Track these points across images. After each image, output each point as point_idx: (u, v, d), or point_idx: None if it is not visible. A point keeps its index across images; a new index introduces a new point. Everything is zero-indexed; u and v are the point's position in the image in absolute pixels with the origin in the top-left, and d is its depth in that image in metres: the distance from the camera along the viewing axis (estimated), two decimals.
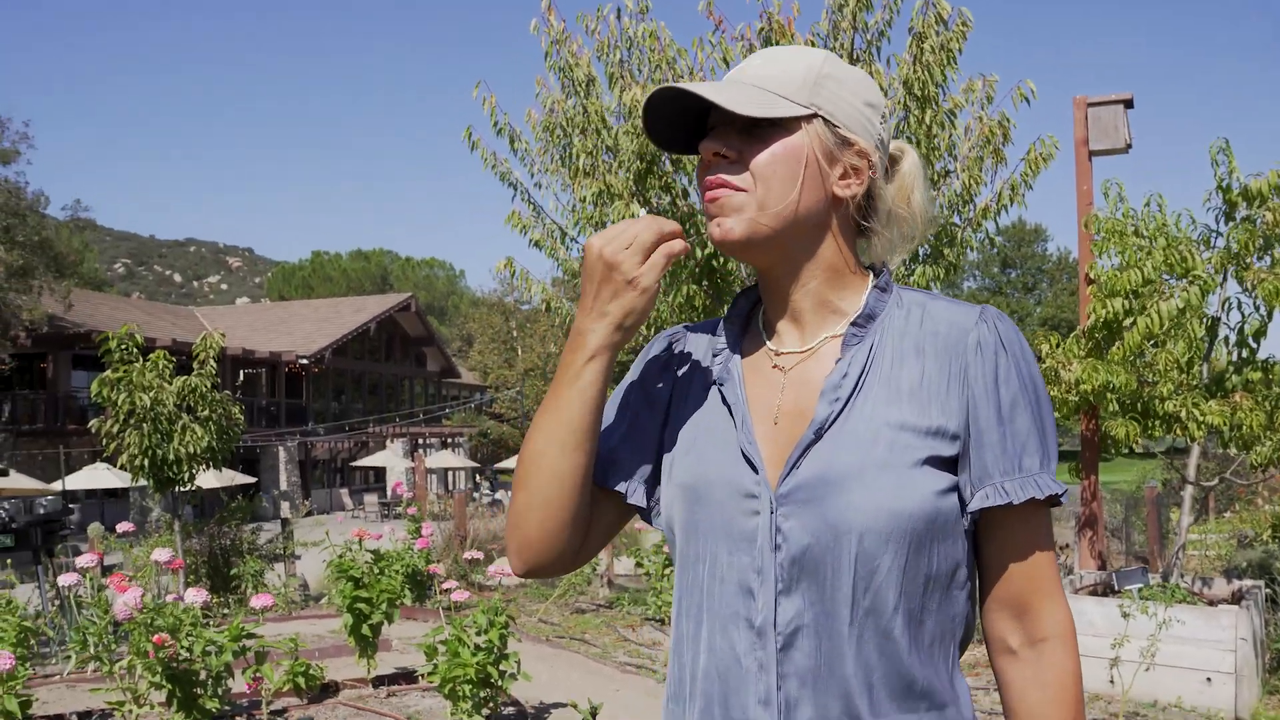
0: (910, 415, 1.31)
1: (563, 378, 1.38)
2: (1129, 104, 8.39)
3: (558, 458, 1.37)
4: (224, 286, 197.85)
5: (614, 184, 8.65)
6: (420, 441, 47.14)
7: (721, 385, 1.42)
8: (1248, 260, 7.25)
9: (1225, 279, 7.48)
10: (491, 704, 5.75)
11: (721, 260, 9.01)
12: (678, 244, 1.36)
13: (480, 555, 10.05)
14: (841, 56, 8.37)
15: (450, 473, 45.95)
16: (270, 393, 40.98)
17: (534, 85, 9.50)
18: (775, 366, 1.42)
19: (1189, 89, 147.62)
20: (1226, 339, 7.75)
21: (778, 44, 8.15)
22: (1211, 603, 7.71)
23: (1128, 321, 7.43)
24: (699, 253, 8.81)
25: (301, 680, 5.77)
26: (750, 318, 1.51)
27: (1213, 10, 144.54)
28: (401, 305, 49.73)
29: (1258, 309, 7.39)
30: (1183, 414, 7.23)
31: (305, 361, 40.67)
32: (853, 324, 1.39)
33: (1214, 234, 7.62)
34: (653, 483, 1.48)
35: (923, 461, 1.29)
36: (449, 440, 51.29)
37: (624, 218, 8.49)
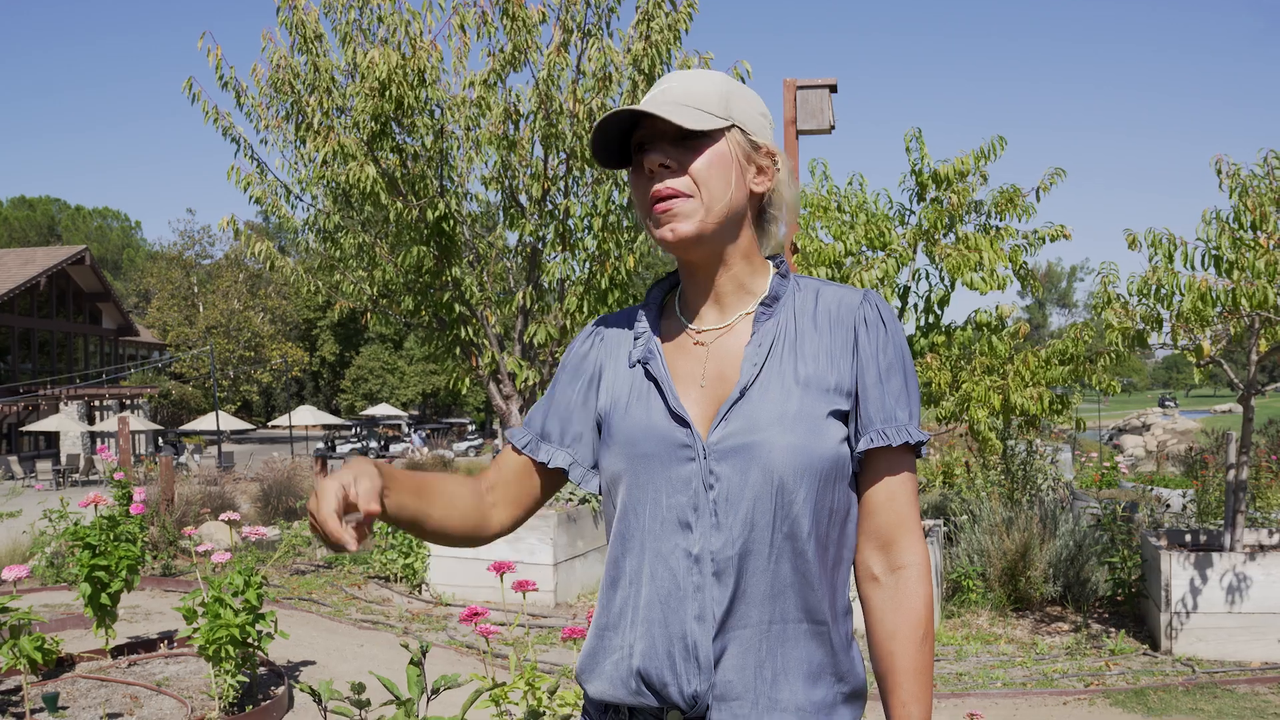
0: (814, 375, 1.59)
1: None
2: (834, 88, 9.07)
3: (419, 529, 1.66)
4: None
5: (347, 144, 8.63)
6: (98, 403, 44.37)
7: (646, 363, 1.68)
8: (936, 236, 8.08)
9: (916, 252, 8.30)
10: (250, 664, 5.78)
11: (450, 224, 9.16)
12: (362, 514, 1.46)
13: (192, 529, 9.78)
14: (573, 30, 8.72)
15: (133, 435, 43.51)
16: None
17: (260, 40, 9.31)
18: (698, 343, 1.68)
19: (890, 76, 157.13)
20: (915, 306, 8.58)
21: (514, 15, 8.36)
22: None
23: None
24: (429, 215, 8.93)
25: (39, 655, 5.56)
26: (664, 304, 1.78)
27: (914, 5, 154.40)
28: (75, 258, 46.46)
29: (943, 279, 8.23)
30: None
31: None
32: (762, 304, 1.66)
33: (908, 212, 8.44)
34: (575, 449, 1.76)
35: (827, 414, 1.57)
36: (128, 402, 48.52)
37: (357, 178, 8.52)
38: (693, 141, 1.60)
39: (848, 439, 1.61)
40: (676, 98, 1.61)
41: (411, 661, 2.92)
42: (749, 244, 1.68)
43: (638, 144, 1.64)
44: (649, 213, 1.63)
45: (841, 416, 1.60)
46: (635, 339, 1.74)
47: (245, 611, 5.51)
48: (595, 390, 1.75)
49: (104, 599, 6.54)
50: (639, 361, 1.70)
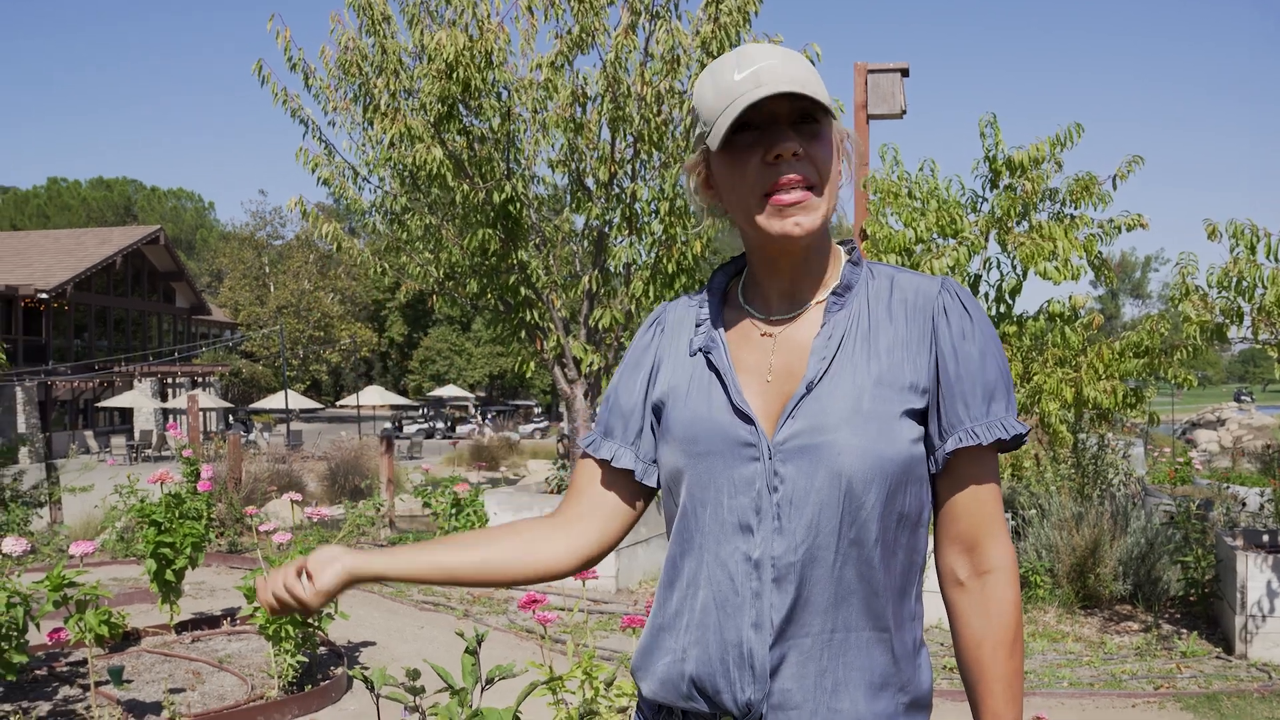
0: (888, 371, 1.49)
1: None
2: (905, 73, 8.94)
3: (461, 582, 1.64)
4: None
5: (414, 126, 8.64)
6: (170, 381, 45.17)
7: (709, 353, 1.59)
8: (1009, 224, 7.91)
9: (988, 241, 8.14)
10: (309, 644, 5.81)
11: (516, 207, 9.14)
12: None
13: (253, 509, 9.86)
14: (641, 12, 8.65)
15: (203, 413, 44.26)
16: (5, 330, 38.35)
17: (329, 22, 9.35)
18: (765, 334, 1.58)
19: (963, 61, 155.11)
20: (986, 295, 8.42)
21: None
22: None
23: None
24: (496, 197, 8.91)
25: (105, 629, 5.63)
26: (728, 291, 1.68)
27: None
28: (149, 238, 47.18)
29: (1015, 269, 8.07)
30: None
31: (45, 296, 38.18)
32: (833, 293, 1.56)
33: (980, 199, 8.28)
34: (639, 445, 1.66)
35: (901, 413, 1.47)
36: (200, 380, 49.36)
37: (424, 160, 8.53)
38: (810, 128, 1.50)
39: (924, 438, 1.51)
40: (791, 78, 1.47)
41: (467, 650, 2.89)
42: (825, 237, 1.59)
43: (742, 123, 1.49)
44: (763, 202, 1.50)
45: (916, 415, 1.50)
46: (697, 326, 1.65)
47: None
48: (654, 381, 1.66)
49: (169, 575, 6.62)
50: (700, 350, 1.61)
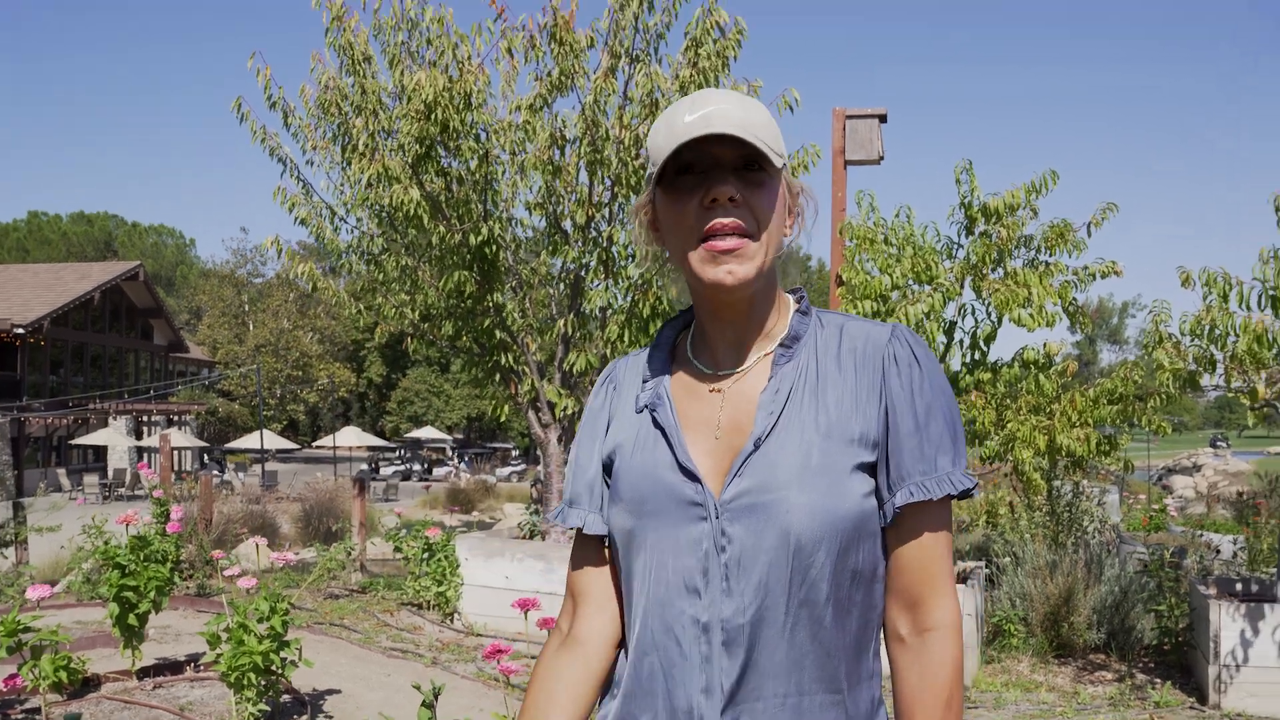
0: (837, 424, 1.46)
1: None
2: (883, 118, 9.00)
3: None
4: None
5: (392, 167, 8.63)
6: (145, 419, 44.86)
7: (654, 410, 1.55)
8: (984, 271, 7.94)
9: (964, 287, 8.15)
10: (273, 692, 5.71)
11: (493, 249, 9.12)
12: None
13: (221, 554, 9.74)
14: (621, 56, 8.68)
15: (177, 452, 43.95)
16: None
17: (309, 61, 9.36)
18: (714, 389, 1.54)
19: (940, 107, 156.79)
20: (961, 342, 8.43)
21: (562, 40, 8.34)
22: None
23: None
24: (472, 239, 8.90)
25: (64, 675, 5.52)
26: (676, 345, 1.65)
27: (964, 37, 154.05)
28: (129, 274, 47.02)
29: (989, 315, 8.08)
30: None
31: (21, 331, 37.94)
32: (781, 345, 1.53)
33: (956, 246, 8.31)
34: (604, 510, 1.61)
35: (851, 468, 1.43)
36: (175, 418, 49.03)
37: (401, 201, 8.52)
38: (756, 176, 1.47)
39: (875, 493, 1.47)
40: (739, 123, 1.44)
41: (424, 703, 2.83)
42: (771, 288, 1.56)
43: (685, 164, 1.48)
44: (699, 247, 1.47)
45: (868, 469, 1.46)
46: (644, 383, 1.61)
47: (270, 639, 5.45)
48: (605, 442, 1.63)
49: (132, 620, 6.51)
50: (646, 407, 1.57)
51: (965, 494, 1.48)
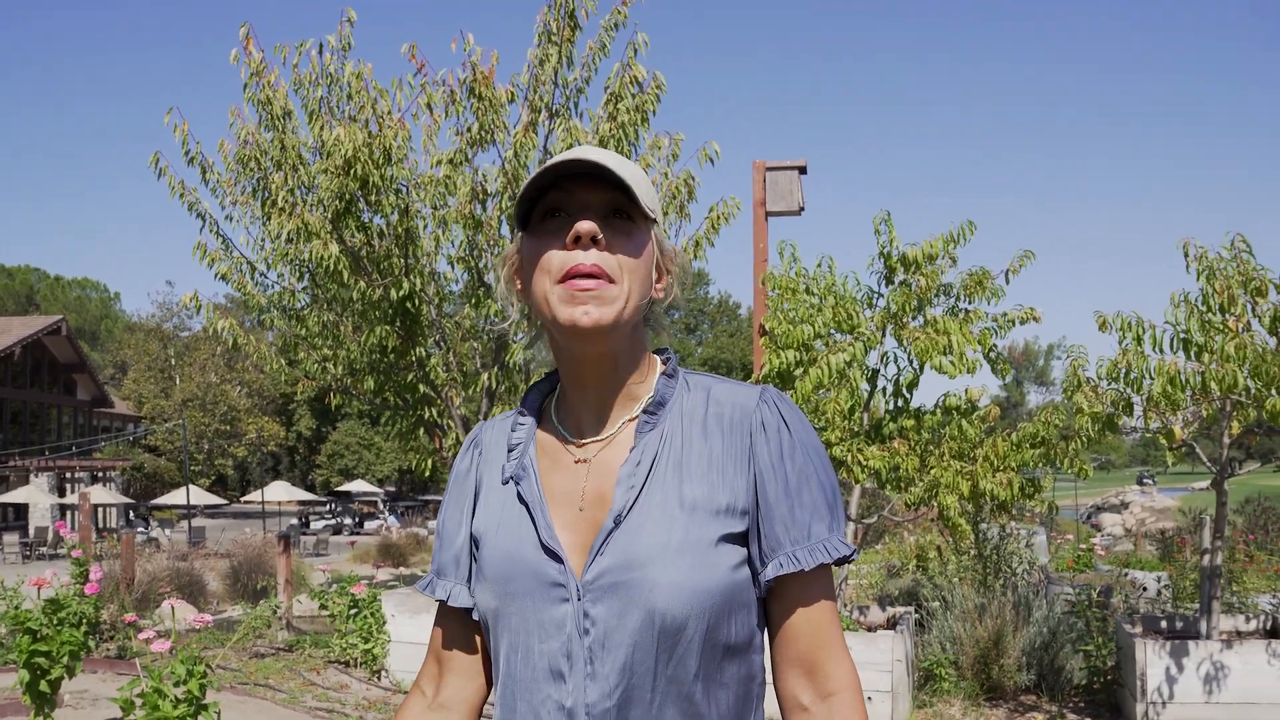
0: (702, 496, 1.41)
1: None
2: (803, 170, 9.09)
3: None
4: None
5: (311, 222, 8.55)
6: (69, 476, 43.87)
7: (518, 483, 1.50)
8: (904, 319, 8.02)
9: (885, 335, 8.23)
10: None
11: (415, 304, 9.05)
12: None
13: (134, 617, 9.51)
14: (541, 110, 8.69)
15: (101, 509, 43.00)
16: None
17: (228, 115, 9.27)
18: (579, 460, 1.49)
19: (859, 157, 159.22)
20: (884, 389, 8.50)
21: (481, 95, 8.33)
22: (870, 628, 8.42)
23: (799, 372, 8.01)
24: (394, 294, 8.82)
25: None
26: (543, 409, 1.59)
27: (883, 89, 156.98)
28: (51, 328, 46.25)
29: (911, 363, 8.16)
30: (848, 459, 7.88)
31: None
32: (645, 411, 1.48)
33: (876, 295, 8.39)
34: (470, 583, 1.56)
35: (717, 540, 1.39)
36: (100, 475, 48.03)
37: (320, 256, 8.44)
38: (623, 225, 1.44)
39: (748, 561, 1.43)
40: (609, 165, 1.41)
41: None
42: (638, 349, 1.51)
43: (552, 208, 1.45)
44: (555, 286, 1.41)
45: (738, 539, 1.42)
46: (509, 451, 1.55)
47: (186, 703, 5.30)
48: (473, 513, 1.57)
49: (43, 686, 6.30)
50: (510, 479, 1.52)
51: (843, 560, 1.45)
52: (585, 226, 1.40)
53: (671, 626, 1.36)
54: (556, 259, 1.41)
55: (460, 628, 1.58)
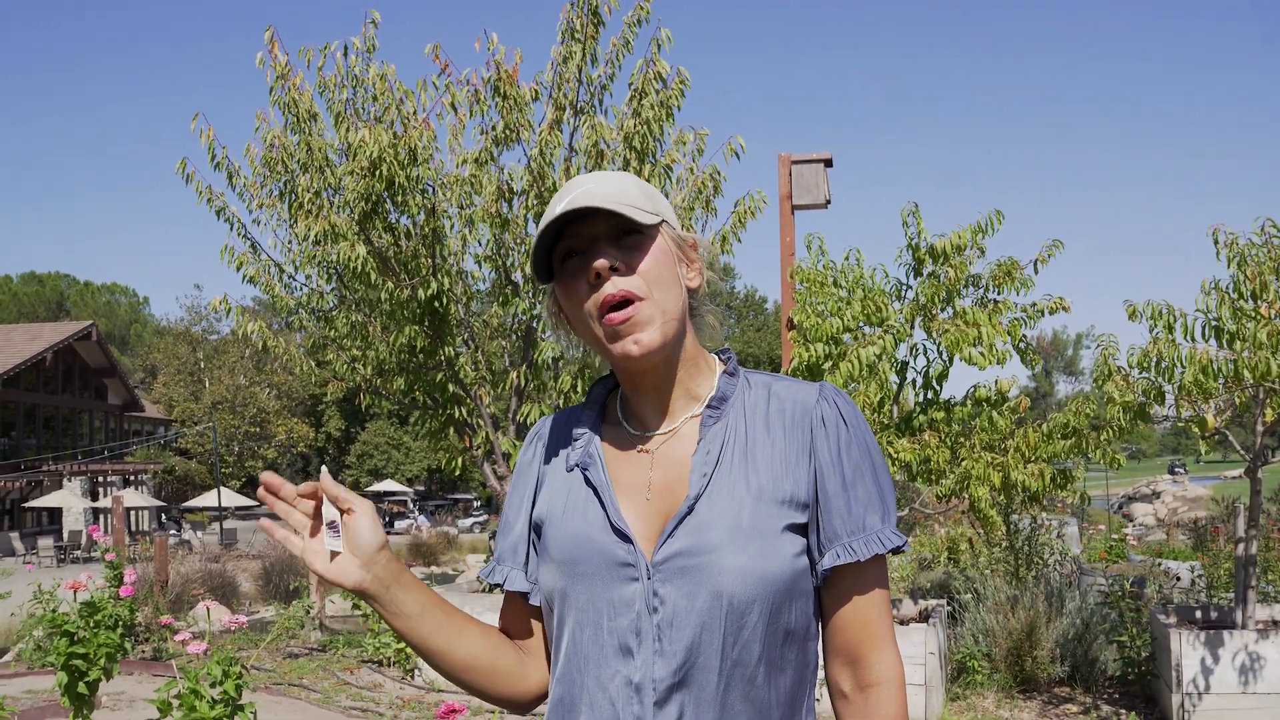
0: (767, 486, 1.47)
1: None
2: (829, 163, 9.06)
3: (448, 660, 1.58)
4: None
5: (338, 224, 8.58)
6: (101, 480, 44.24)
7: (586, 469, 1.56)
8: (933, 311, 7.98)
9: (914, 328, 8.20)
10: None
11: (443, 303, 9.07)
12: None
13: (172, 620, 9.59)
14: (565, 108, 8.70)
15: (134, 512, 43.36)
16: None
17: (254, 120, 9.31)
18: (642, 450, 1.56)
19: (887, 149, 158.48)
20: (914, 382, 8.47)
21: (505, 94, 8.35)
22: (903, 622, 8.40)
23: (828, 365, 8.00)
24: (422, 294, 8.85)
25: None
26: (606, 405, 1.66)
27: (908, 81, 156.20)
28: (81, 333, 46.55)
29: (940, 355, 8.13)
30: None
31: None
32: (708, 406, 1.55)
33: (905, 287, 8.36)
34: (529, 569, 1.63)
35: (782, 529, 1.45)
36: (132, 478, 48.41)
37: (348, 257, 8.48)
38: (633, 240, 1.51)
39: (807, 552, 1.49)
40: (602, 197, 1.48)
41: None
42: (691, 347, 1.58)
43: (565, 254, 1.53)
44: (597, 325, 1.50)
45: (799, 530, 1.48)
46: (574, 441, 1.62)
47: (223, 703, 5.33)
48: (536, 500, 1.63)
49: (81, 688, 6.35)
50: (577, 466, 1.59)
51: (896, 550, 1.51)
52: (599, 264, 1.47)
53: (738, 608, 1.43)
54: (589, 300, 1.50)
55: (520, 613, 1.65)
